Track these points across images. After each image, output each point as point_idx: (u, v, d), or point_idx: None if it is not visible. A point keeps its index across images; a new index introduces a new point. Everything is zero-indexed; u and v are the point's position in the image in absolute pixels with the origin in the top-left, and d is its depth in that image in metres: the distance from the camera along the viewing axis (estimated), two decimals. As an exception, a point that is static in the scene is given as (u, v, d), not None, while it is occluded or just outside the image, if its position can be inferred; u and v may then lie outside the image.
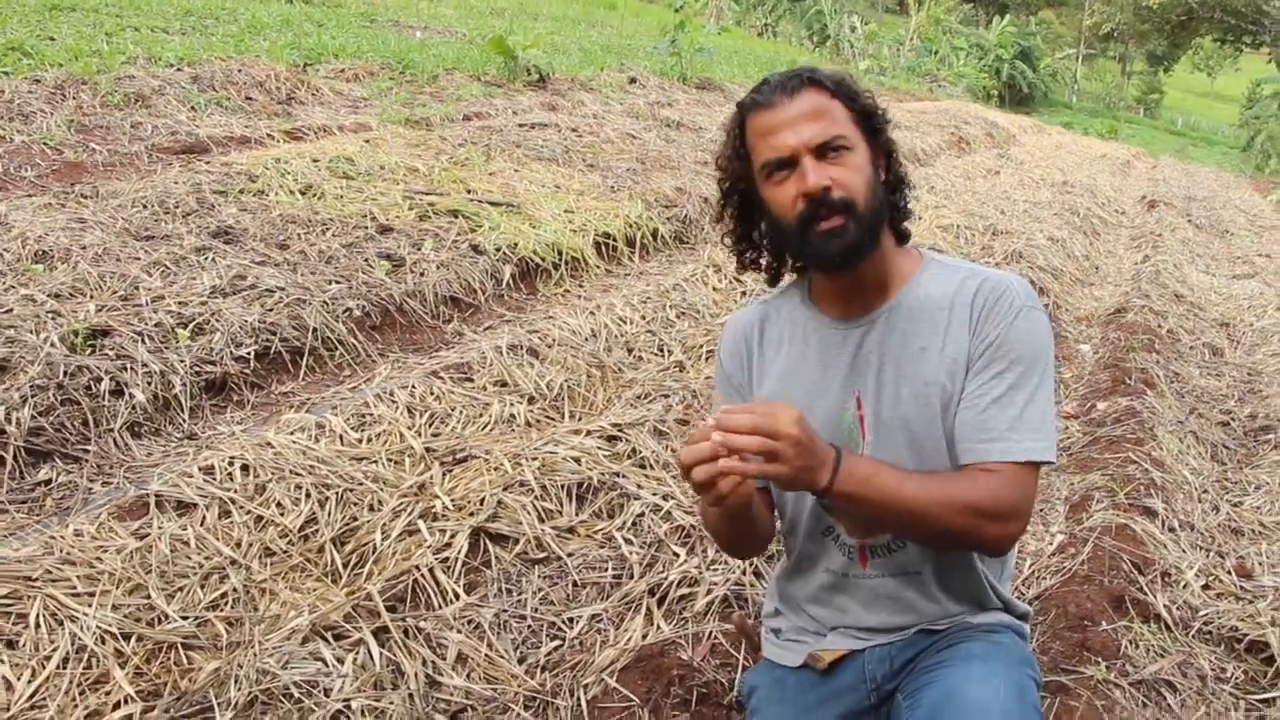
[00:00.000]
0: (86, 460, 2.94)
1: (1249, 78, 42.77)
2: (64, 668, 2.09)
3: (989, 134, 14.77)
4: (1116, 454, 3.78)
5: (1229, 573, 3.11)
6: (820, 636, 1.85)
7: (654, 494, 2.92)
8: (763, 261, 1.87)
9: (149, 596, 2.32)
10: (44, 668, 2.07)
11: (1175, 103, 53.88)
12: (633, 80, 10.56)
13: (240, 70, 7.08)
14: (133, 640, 2.20)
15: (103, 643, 2.17)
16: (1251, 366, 5.36)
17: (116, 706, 2.05)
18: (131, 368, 3.24)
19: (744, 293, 5.05)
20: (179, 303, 3.68)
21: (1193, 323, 6.05)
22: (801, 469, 1.51)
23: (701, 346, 4.16)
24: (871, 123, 1.72)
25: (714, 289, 4.97)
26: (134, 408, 3.14)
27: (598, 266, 5.26)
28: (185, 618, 2.30)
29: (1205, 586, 3.02)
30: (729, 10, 30.80)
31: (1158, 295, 6.48)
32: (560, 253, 5.07)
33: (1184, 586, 2.97)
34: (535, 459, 2.99)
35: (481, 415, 3.35)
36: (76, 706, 2.02)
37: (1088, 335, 5.83)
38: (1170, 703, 2.49)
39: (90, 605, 2.24)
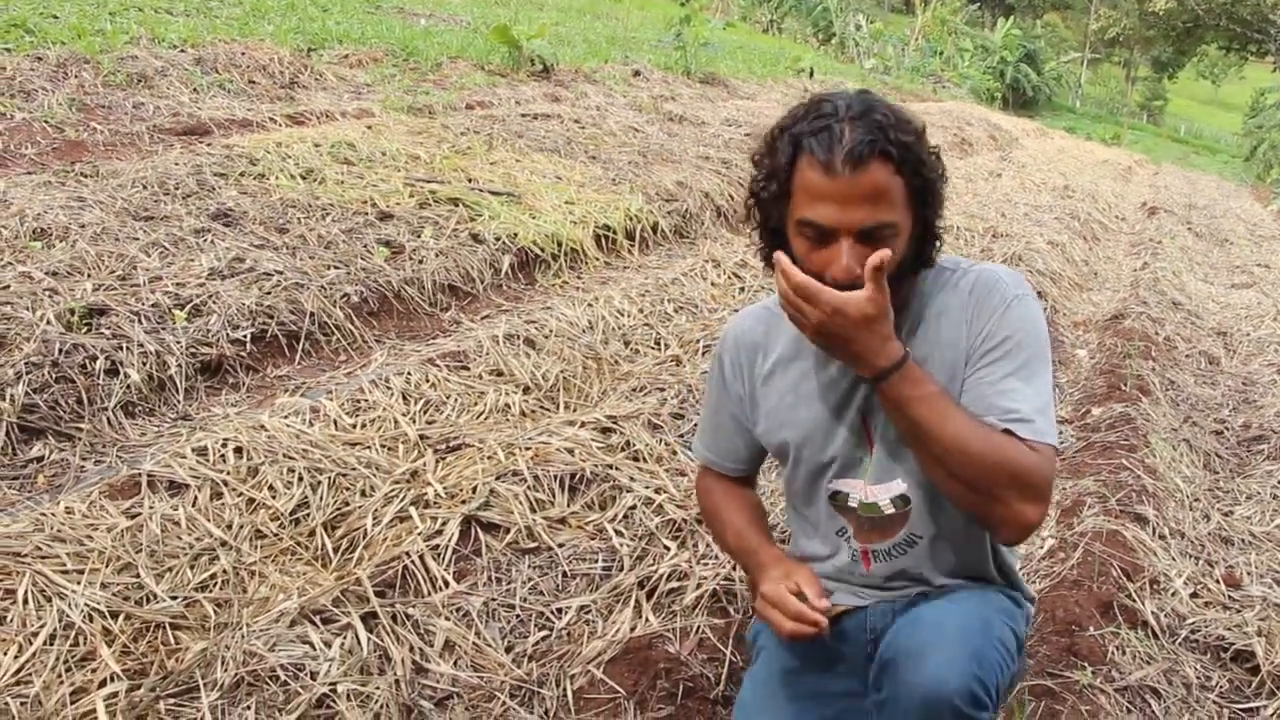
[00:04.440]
0: (79, 438, 2.94)
1: (1253, 86, 42.75)
2: (50, 644, 2.08)
3: (992, 136, 14.78)
4: (1110, 460, 3.79)
5: (1218, 582, 3.12)
6: (826, 594, 1.83)
7: (646, 487, 2.92)
8: None
9: (138, 575, 2.32)
10: (30, 644, 2.07)
11: (1179, 110, 53.88)
12: (637, 73, 10.55)
13: (244, 53, 7.07)
14: (120, 619, 2.20)
15: (90, 620, 2.17)
16: (1247, 376, 5.37)
17: (102, 684, 2.04)
18: (127, 347, 3.23)
19: (742, 289, 5.06)
20: (176, 284, 3.68)
21: (1190, 331, 6.06)
22: (839, 354, 1.62)
23: (698, 341, 4.16)
24: (926, 197, 1.61)
25: (712, 284, 4.97)
26: (128, 387, 3.14)
27: (597, 259, 5.26)
28: (174, 598, 2.29)
29: (1194, 595, 3.03)
30: (735, 6, 30.78)
31: (1156, 302, 6.48)
32: (560, 244, 5.07)
33: (1172, 594, 2.97)
34: (529, 449, 2.99)
35: (476, 404, 3.35)
36: (62, 683, 2.02)
37: (1084, 340, 5.84)
38: (1155, 710, 2.50)
39: (79, 583, 2.24)
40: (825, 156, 1.54)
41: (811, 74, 15.81)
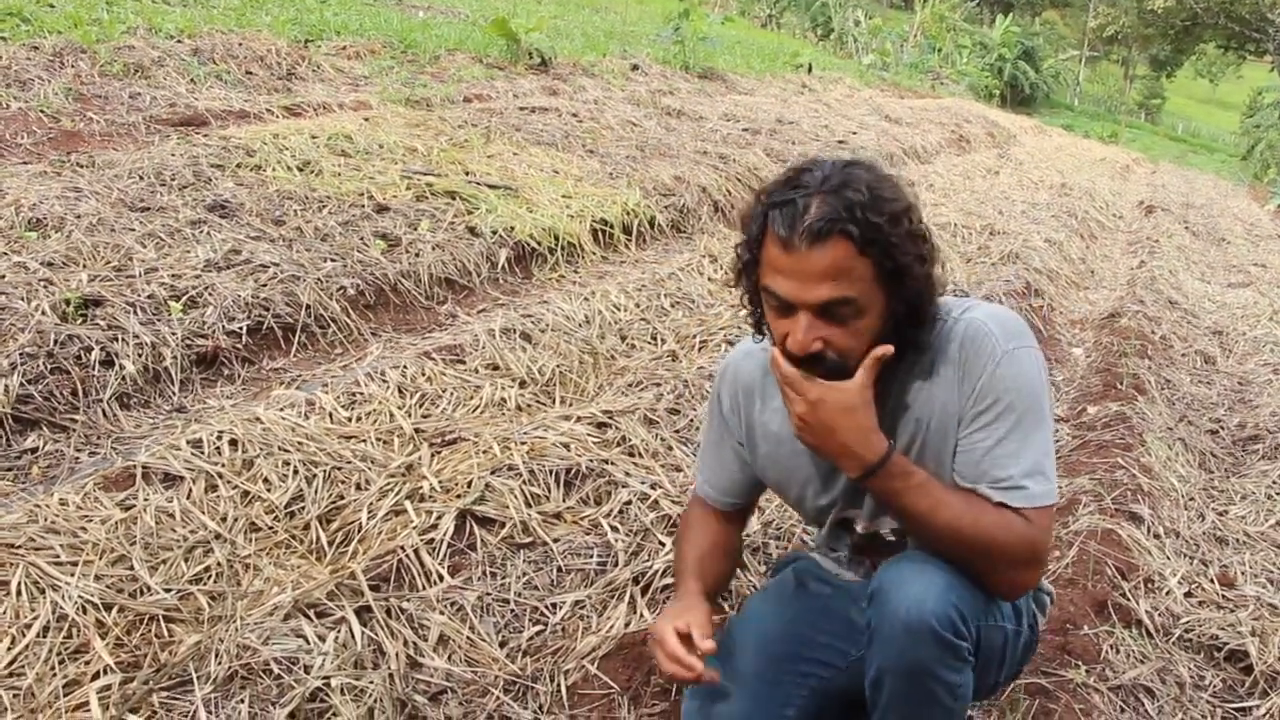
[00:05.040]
0: (74, 430, 2.93)
1: (1251, 86, 42.76)
2: (44, 636, 2.08)
3: (989, 133, 14.77)
4: (1105, 459, 3.79)
5: (1212, 581, 3.13)
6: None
7: (642, 482, 2.91)
8: None
9: (132, 568, 2.31)
10: (23, 636, 2.06)
11: (1177, 109, 53.86)
12: (635, 67, 10.54)
13: (241, 44, 7.05)
14: (114, 611, 2.19)
15: (84, 612, 2.16)
16: (1243, 376, 5.37)
17: (95, 677, 2.04)
18: (122, 338, 3.23)
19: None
20: (172, 275, 3.67)
21: (1186, 330, 6.06)
22: (822, 453, 1.65)
23: (695, 337, 4.15)
24: (901, 278, 1.57)
25: (709, 279, 4.96)
26: (123, 379, 3.13)
27: (594, 253, 5.25)
28: (168, 590, 2.29)
29: (1188, 594, 3.04)
30: (733, 1, 30.72)
31: (1152, 301, 6.49)
32: (557, 238, 5.06)
33: (1166, 593, 2.98)
34: (524, 443, 2.99)
35: (472, 398, 3.34)
36: (55, 675, 2.01)
37: (1080, 339, 5.84)
38: (1149, 709, 2.50)
39: (72, 575, 2.23)
40: (785, 232, 1.53)
41: (810, 69, 15.77)
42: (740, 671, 1.80)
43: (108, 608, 2.20)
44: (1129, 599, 2.87)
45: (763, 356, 1.86)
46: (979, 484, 1.62)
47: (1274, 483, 3.91)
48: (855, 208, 1.51)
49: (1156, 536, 3.31)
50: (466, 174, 5.51)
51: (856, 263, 1.53)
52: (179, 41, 6.79)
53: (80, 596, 2.18)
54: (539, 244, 4.97)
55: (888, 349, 1.59)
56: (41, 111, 5.21)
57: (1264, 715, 2.56)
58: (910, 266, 1.57)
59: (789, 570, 2.04)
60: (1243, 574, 3.21)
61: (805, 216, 1.52)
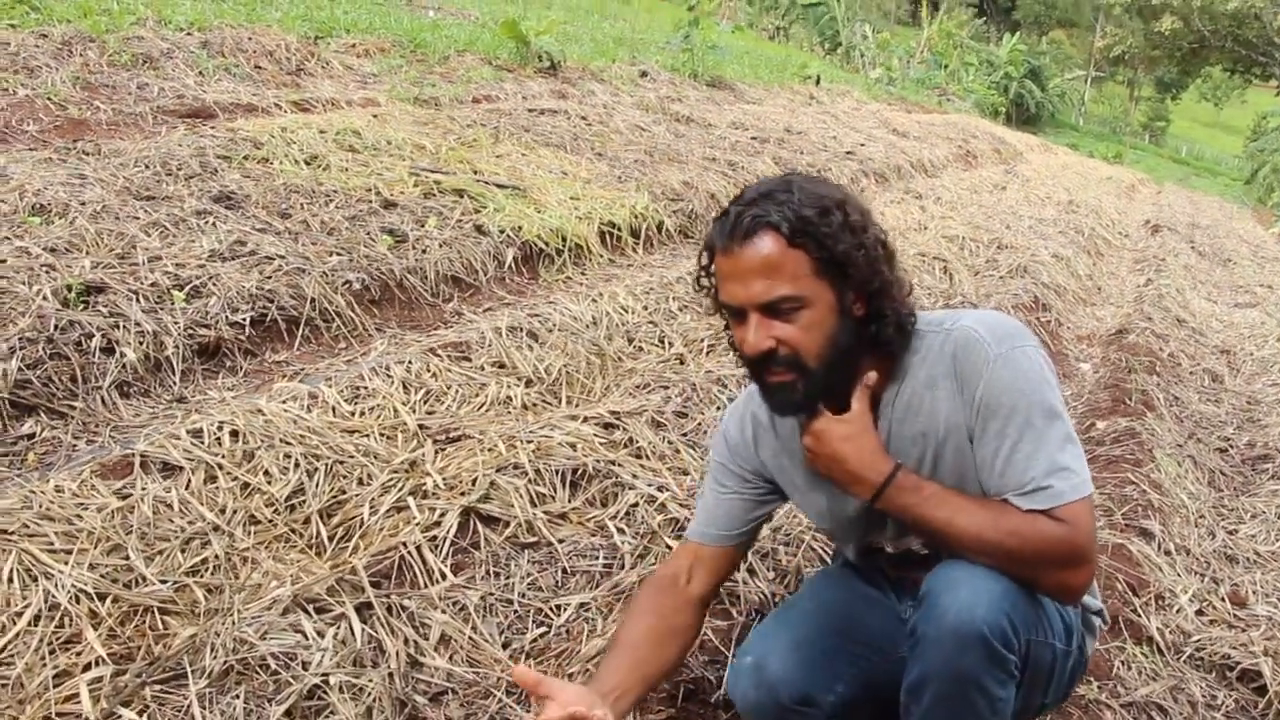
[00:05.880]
0: (72, 417, 2.88)
1: (1255, 110, 42.83)
2: (35, 625, 2.03)
3: (996, 149, 14.75)
4: (1115, 474, 3.75)
5: (1223, 600, 3.09)
6: None
7: (649, 485, 2.86)
8: None
9: (128, 558, 2.26)
10: (14, 624, 2.01)
11: (1181, 131, 53.95)
12: (644, 74, 10.51)
13: (250, 39, 7.01)
14: (108, 601, 2.14)
15: (77, 602, 2.11)
16: (1251, 395, 5.33)
17: (87, 668, 1.98)
18: (124, 326, 3.18)
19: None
20: (176, 264, 3.62)
21: (1194, 348, 6.02)
22: (834, 481, 1.70)
23: (703, 340, 4.11)
24: (842, 269, 1.60)
25: (717, 285, 4.91)
26: (124, 367, 3.08)
27: (601, 255, 5.20)
28: (164, 581, 2.23)
29: (1199, 612, 3.00)
30: (742, 12, 30.77)
31: (1160, 318, 6.45)
32: (564, 239, 5.02)
33: (1178, 611, 2.94)
34: (530, 442, 2.94)
35: (478, 395, 3.29)
36: (45, 665, 1.96)
37: (1088, 354, 5.80)
38: (1161, 726, 2.46)
39: (66, 563, 2.18)
40: (721, 240, 1.61)
41: (818, 81, 15.78)
42: (798, 637, 1.80)
43: (101, 598, 2.14)
44: (1140, 615, 2.83)
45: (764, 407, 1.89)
46: (1007, 494, 1.59)
47: (1284, 503, 3.87)
48: (783, 205, 1.58)
49: (1167, 553, 3.27)
50: (475, 173, 5.46)
51: (789, 255, 1.57)
52: (188, 34, 6.75)
53: (73, 585, 2.13)
54: (546, 244, 4.92)
55: (873, 375, 1.67)
56: (49, 99, 5.17)
57: (1279, 737, 2.52)
58: (850, 255, 1.60)
59: (846, 561, 2.02)
60: (1254, 593, 3.17)
61: (737, 220, 1.59)
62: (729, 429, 1.97)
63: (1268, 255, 11.69)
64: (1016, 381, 1.59)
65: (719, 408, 3.53)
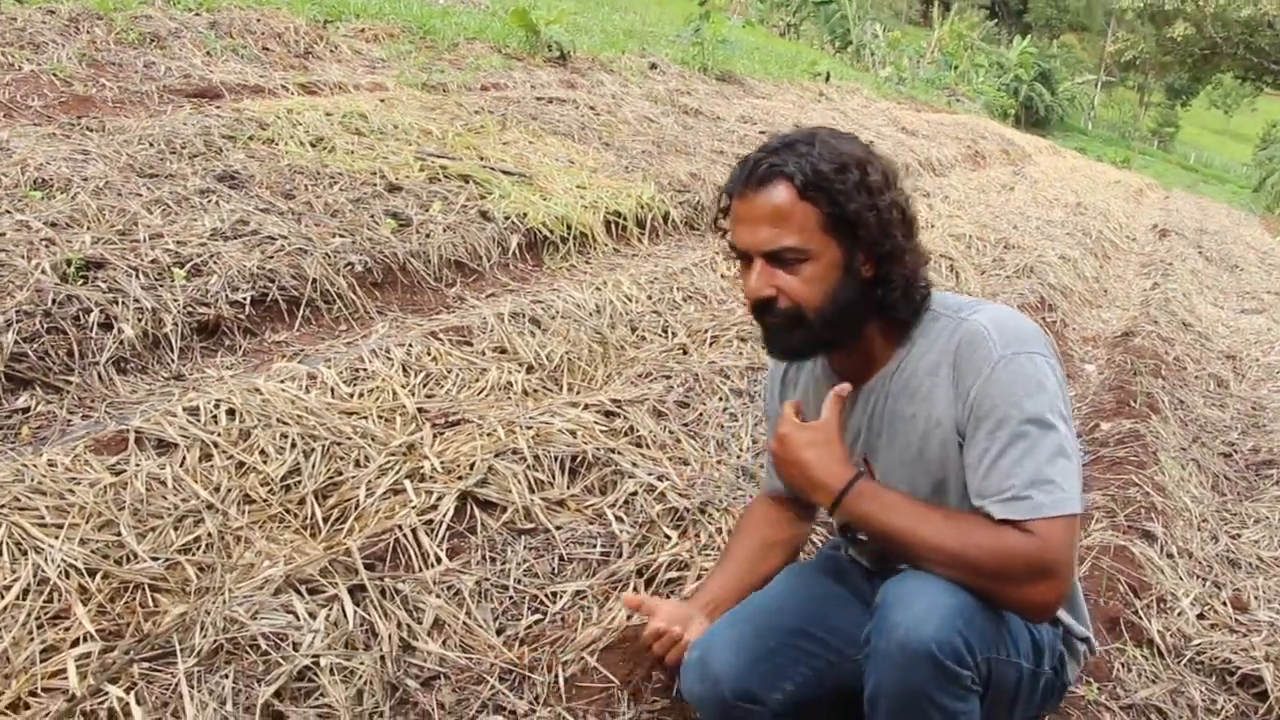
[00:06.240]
0: (68, 391, 2.85)
1: (1265, 118, 42.74)
2: (23, 599, 2.00)
3: (1005, 151, 14.70)
4: (1118, 475, 3.72)
5: (1224, 604, 3.07)
6: None
7: (649, 474, 2.83)
8: None
9: (119, 534, 2.23)
10: (2, 598, 1.99)
11: (1190, 138, 53.82)
12: (653, 66, 10.46)
13: (259, 20, 6.98)
14: (98, 577, 2.12)
15: (66, 577, 2.08)
16: (1256, 401, 5.30)
17: (75, 644, 1.96)
18: (123, 302, 3.15)
19: (751, 283, 4.97)
20: (177, 242, 3.59)
21: (1199, 352, 5.99)
22: (796, 489, 1.74)
23: (707, 332, 4.08)
24: (852, 227, 1.60)
25: (722, 275, 4.89)
26: (121, 342, 3.05)
27: (606, 245, 5.17)
28: (155, 559, 2.21)
29: (1200, 616, 2.98)
30: (753, 8, 30.67)
31: (1166, 322, 6.42)
32: (569, 227, 4.98)
33: (1179, 614, 2.92)
34: (530, 428, 2.91)
35: (478, 380, 3.26)
36: (33, 640, 1.93)
37: (1093, 356, 5.77)
38: (1160, 729, 2.44)
39: (57, 538, 2.15)
40: (738, 184, 1.64)
41: (828, 78, 15.72)
42: (744, 633, 1.78)
43: (91, 573, 2.12)
44: (1141, 617, 2.81)
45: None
46: (985, 499, 1.55)
47: (1289, 508, 3.84)
48: (801, 157, 1.59)
49: (1170, 556, 3.24)
50: (481, 159, 5.43)
51: (798, 207, 1.58)
52: (196, 14, 6.71)
53: (63, 560, 2.11)
54: (551, 232, 4.89)
55: (846, 386, 1.71)
56: (54, 75, 5.14)
57: (1279, 743, 2.50)
58: (861, 215, 1.59)
59: (829, 551, 1.98)
60: (1256, 598, 3.15)
61: (754, 166, 1.62)
62: (771, 382, 2.03)
63: (1275, 262, 11.65)
64: (1014, 387, 1.55)
65: (721, 398, 3.51)
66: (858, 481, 1.62)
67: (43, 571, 2.06)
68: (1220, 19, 34.82)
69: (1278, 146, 32.93)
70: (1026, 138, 19.17)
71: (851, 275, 1.62)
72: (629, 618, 2.29)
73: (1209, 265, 9.97)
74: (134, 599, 2.11)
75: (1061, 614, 1.79)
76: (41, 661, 1.90)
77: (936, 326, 1.68)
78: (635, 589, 2.41)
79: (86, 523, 2.23)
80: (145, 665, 1.90)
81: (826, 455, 1.65)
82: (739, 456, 3.21)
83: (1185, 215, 14.16)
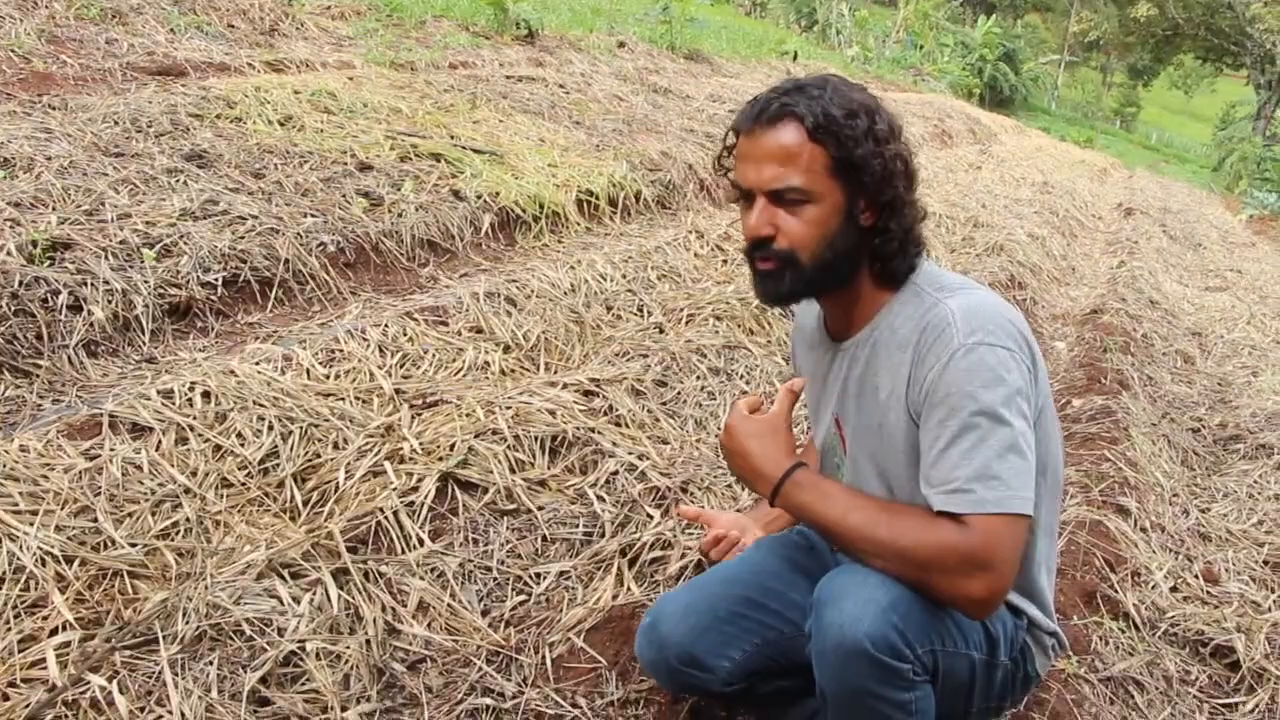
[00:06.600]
0: (38, 375, 2.79)
1: (1224, 99, 43.22)
2: (-1, 588, 1.96)
3: (971, 130, 14.76)
4: (1091, 450, 3.76)
5: (1196, 577, 3.11)
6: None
7: (629, 453, 2.83)
8: None
9: (95, 520, 2.20)
10: (-23, 586, 1.95)
11: (1151, 118, 54.31)
12: (621, 44, 10.40)
13: (223, -4, 6.85)
14: (75, 564, 2.08)
15: (43, 565, 2.04)
16: (1222, 377, 5.37)
17: (54, 632, 1.93)
18: (92, 284, 3.09)
19: (725, 260, 4.97)
20: (146, 222, 3.52)
21: (1166, 329, 6.06)
22: (740, 478, 1.75)
23: (683, 310, 4.06)
24: (857, 173, 1.58)
25: (695, 254, 4.87)
26: (91, 325, 2.99)
27: (578, 224, 5.14)
28: (133, 544, 2.17)
29: (1173, 589, 3.02)
30: (719, -13, 30.56)
31: (1133, 300, 6.48)
32: (542, 206, 4.94)
33: (1153, 587, 2.96)
34: (509, 408, 2.89)
35: (455, 360, 3.23)
36: (10, 630, 1.90)
37: (1063, 333, 5.82)
38: (1138, 701, 2.47)
39: (32, 525, 2.11)
40: (747, 121, 1.61)
41: (795, 57, 15.71)
42: (695, 600, 1.82)
43: (68, 560, 2.08)
44: (1117, 591, 2.84)
45: (804, 308, 1.92)
46: (930, 489, 1.53)
47: (1255, 482, 3.90)
48: (813, 100, 1.57)
49: (1143, 530, 3.28)
50: (451, 137, 5.37)
51: (806, 148, 1.57)
52: (158, -11, 6.58)
53: (39, 547, 2.07)
54: (524, 211, 4.85)
55: (799, 381, 1.75)
56: (12, 51, 5.02)
57: (1251, 711, 2.54)
58: (867, 161, 1.58)
59: (801, 528, 1.98)
60: (1226, 571, 3.20)
61: (766, 104, 1.60)
62: (792, 341, 2.04)
63: (1237, 240, 11.80)
64: (972, 377, 1.51)
65: (699, 377, 3.50)
66: (795, 471, 1.62)
67: (18, 560, 2.02)
68: (1182, 0, 35.15)
69: (1236, 127, 33.35)
70: (992, 117, 19.25)
71: (851, 222, 1.61)
72: (614, 597, 2.29)
73: (1173, 243, 10.08)
74: (113, 586, 2.07)
75: (1025, 606, 1.77)
76: (20, 652, 1.87)
77: (916, 301, 1.65)
78: (618, 568, 2.40)
79: (62, 509, 2.19)
80: (127, 653, 1.87)
81: (770, 446, 1.66)
82: (717, 435, 3.20)
83: (1149, 194, 14.30)
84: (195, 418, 2.58)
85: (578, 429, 2.87)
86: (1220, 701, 2.57)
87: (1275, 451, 4.14)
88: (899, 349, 1.63)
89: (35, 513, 2.15)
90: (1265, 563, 3.27)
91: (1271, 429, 4.40)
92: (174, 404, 2.60)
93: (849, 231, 1.61)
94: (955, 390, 1.52)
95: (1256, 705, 2.54)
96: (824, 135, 1.56)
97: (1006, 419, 1.50)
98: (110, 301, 3.08)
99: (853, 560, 1.59)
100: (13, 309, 2.88)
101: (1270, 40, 33.55)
